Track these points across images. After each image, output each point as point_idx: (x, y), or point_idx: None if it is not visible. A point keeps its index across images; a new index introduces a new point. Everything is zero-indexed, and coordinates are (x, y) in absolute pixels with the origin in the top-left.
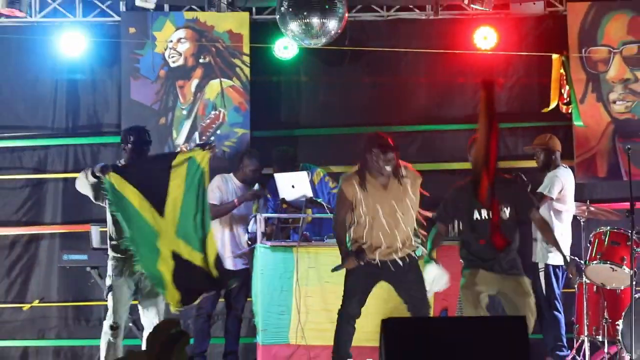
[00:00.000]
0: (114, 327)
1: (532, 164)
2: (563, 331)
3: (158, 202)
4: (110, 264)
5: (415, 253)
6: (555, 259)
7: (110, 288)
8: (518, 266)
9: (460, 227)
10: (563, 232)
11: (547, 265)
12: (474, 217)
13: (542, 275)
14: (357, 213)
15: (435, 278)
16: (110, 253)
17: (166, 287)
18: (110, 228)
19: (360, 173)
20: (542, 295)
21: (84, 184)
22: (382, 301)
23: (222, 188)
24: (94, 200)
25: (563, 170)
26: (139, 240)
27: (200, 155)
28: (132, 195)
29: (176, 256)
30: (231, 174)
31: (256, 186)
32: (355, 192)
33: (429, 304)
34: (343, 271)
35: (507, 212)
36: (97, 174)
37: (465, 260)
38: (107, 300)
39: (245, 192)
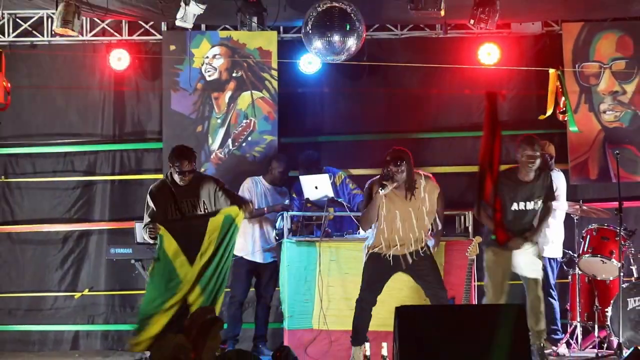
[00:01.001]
0: None
1: None
2: (558, 317)
3: (192, 253)
4: None
5: (427, 247)
6: (550, 251)
7: None
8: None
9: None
10: (557, 228)
11: (543, 258)
12: (512, 208)
13: None
14: (378, 214)
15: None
16: None
17: (144, 329)
18: None
19: (383, 180)
20: None
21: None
22: (396, 290)
23: (252, 190)
24: None
25: (557, 173)
26: (155, 284)
27: (236, 212)
28: (170, 245)
29: (184, 301)
30: (261, 177)
31: (286, 201)
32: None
33: (444, 288)
34: (362, 264)
35: (539, 203)
36: (152, 238)
37: (492, 240)
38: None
39: (275, 204)
